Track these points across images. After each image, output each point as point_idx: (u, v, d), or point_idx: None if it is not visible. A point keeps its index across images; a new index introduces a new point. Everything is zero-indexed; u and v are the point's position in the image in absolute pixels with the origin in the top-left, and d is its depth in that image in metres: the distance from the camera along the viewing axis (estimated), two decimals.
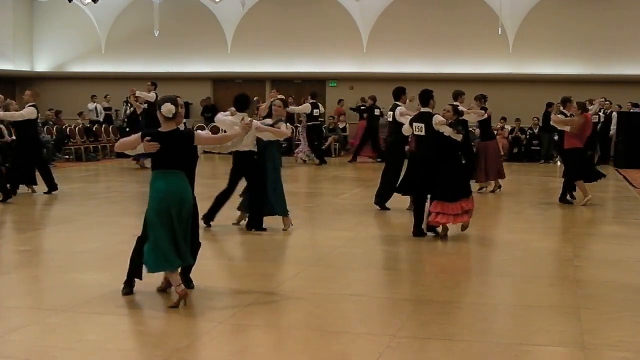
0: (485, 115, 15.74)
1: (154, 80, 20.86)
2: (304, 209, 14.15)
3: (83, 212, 13.21)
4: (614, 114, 24.77)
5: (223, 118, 11.42)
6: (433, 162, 10.62)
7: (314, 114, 23.74)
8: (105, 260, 9.30)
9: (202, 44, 29.68)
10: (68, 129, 25.07)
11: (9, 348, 5.98)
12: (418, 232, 10.86)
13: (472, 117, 15.41)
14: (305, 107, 23.65)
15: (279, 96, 17.10)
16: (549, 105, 22.36)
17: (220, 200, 11.91)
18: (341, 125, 27.69)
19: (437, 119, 10.66)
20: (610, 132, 24.83)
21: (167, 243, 7.10)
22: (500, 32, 26.56)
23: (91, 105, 27.82)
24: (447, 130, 10.54)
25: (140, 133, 7.43)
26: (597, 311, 7.21)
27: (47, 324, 6.60)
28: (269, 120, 11.67)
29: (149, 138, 7.25)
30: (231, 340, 6.23)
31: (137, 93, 20.12)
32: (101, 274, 8.50)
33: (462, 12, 27.84)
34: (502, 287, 8.41)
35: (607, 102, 25.31)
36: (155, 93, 20.22)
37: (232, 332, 6.45)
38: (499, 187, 16.28)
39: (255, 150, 11.44)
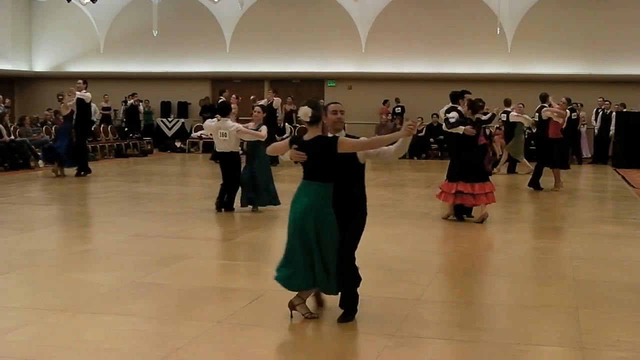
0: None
1: (85, 79, 19.83)
2: None
3: (81, 212, 13.22)
4: (613, 114, 24.79)
5: (209, 124, 13.20)
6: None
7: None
8: (103, 260, 9.30)
9: (201, 44, 29.69)
10: None
11: (8, 348, 5.97)
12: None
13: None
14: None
15: (260, 102, 18.32)
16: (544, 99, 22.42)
17: (224, 191, 13.31)
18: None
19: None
20: (610, 132, 24.86)
21: (297, 257, 6.66)
22: (498, 32, 26.59)
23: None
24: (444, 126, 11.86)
25: (289, 138, 7.01)
26: (595, 311, 7.21)
27: (46, 324, 6.60)
28: (251, 125, 13.14)
29: (296, 146, 6.75)
30: (230, 340, 6.23)
31: (77, 94, 18.72)
32: (100, 274, 8.51)
33: (460, 12, 27.87)
34: (501, 287, 8.41)
35: (607, 102, 25.36)
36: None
37: (231, 331, 6.45)
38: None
39: (238, 151, 13.16)
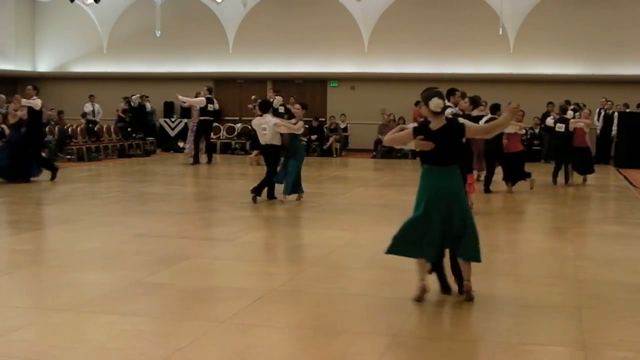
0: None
1: (35, 85, 18.92)
2: (305, 208, 14.16)
3: (84, 212, 13.22)
4: (615, 114, 24.78)
5: (253, 121, 14.83)
6: None
7: (208, 108, 23.15)
8: (106, 259, 9.31)
9: (204, 44, 29.72)
10: (70, 129, 25.07)
11: (11, 348, 5.99)
12: None
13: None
14: (200, 101, 23.10)
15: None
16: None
17: (266, 182, 14.53)
18: (342, 126, 27.71)
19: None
20: (612, 132, 24.84)
21: (419, 229, 7.26)
22: (501, 32, 26.56)
23: (88, 107, 27.73)
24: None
25: (412, 128, 7.34)
26: (598, 311, 7.21)
27: (49, 324, 6.61)
28: (293, 120, 14.88)
29: (422, 137, 7.16)
30: (233, 340, 6.23)
31: (23, 102, 17.73)
32: (102, 274, 8.52)
33: (463, 12, 27.87)
34: (504, 287, 8.42)
35: (609, 103, 25.35)
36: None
37: (234, 331, 6.45)
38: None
39: (279, 144, 14.44)
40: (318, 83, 29.43)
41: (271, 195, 14.76)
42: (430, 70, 27.58)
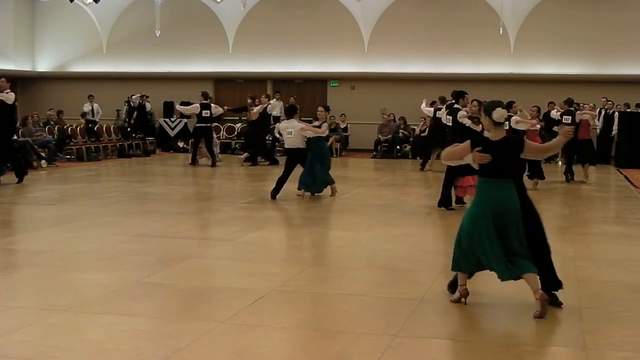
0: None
1: (5, 77, 18.06)
2: (305, 208, 14.16)
3: (84, 212, 13.21)
4: (616, 114, 24.77)
5: (279, 125, 15.88)
6: None
7: (203, 114, 22.77)
8: (106, 260, 9.30)
9: (204, 44, 29.72)
10: (69, 129, 25.06)
11: (11, 348, 5.98)
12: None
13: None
14: (194, 108, 23.05)
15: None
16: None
17: (281, 182, 14.95)
18: (342, 125, 27.71)
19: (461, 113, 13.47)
20: (613, 132, 24.83)
21: (476, 246, 7.07)
22: (501, 32, 26.54)
23: (87, 107, 27.70)
24: (467, 122, 13.18)
25: (469, 141, 7.18)
26: (598, 311, 7.20)
27: (49, 324, 6.60)
28: (316, 122, 15.78)
29: (479, 148, 7.02)
30: (233, 340, 6.23)
31: None
32: (102, 274, 8.51)
33: (463, 12, 27.86)
34: (504, 287, 8.39)
35: (610, 102, 25.34)
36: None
37: (234, 332, 6.44)
38: None
39: (304, 147, 15.08)
40: (318, 83, 29.43)
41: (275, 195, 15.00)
42: (430, 70, 27.60)
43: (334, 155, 26.24)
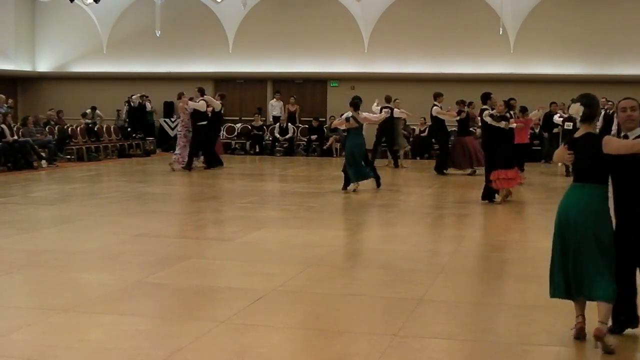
0: (458, 117, 20.93)
1: None
2: (305, 208, 14.16)
3: (84, 212, 13.22)
4: (615, 114, 24.77)
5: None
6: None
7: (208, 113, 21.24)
8: (106, 260, 9.31)
9: (204, 44, 29.69)
10: (70, 129, 25.07)
11: (12, 348, 5.99)
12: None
13: (446, 117, 21.50)
14: (202, 105, 20.90)
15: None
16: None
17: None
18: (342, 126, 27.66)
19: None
20: (612, 132, 24.82)
21: (556, 268, 6.33)
22: (501, 32, 26.54)
23: (89, 114, 27.56)
24: (488, 120, 14.60)
25: (566, 140, 6.57)
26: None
27: (49, 324, 6.61)
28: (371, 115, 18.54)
29: (566, 145, 6.40)
30: (233, 340, 6.23)
31: None
32: (103, 274, 8.52)
33: (463, 12, 27.85)
34: (504, 287, 8.42)
35: (610, 103, 25.37)
36: None
37: (234, 331, 6.45)
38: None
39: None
40: (318, 83, 29.42)
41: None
42: (430, 70, 27.59)
43: (334, 155, 26.28)
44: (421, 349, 6.12)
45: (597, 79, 26.26)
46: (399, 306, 7.28)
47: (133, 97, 28.46)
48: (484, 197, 14.76)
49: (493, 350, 6.06)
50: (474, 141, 20.78)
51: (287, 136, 27.78)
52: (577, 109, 6.33)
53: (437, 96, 21.83)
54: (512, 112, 16.21)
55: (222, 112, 22.64)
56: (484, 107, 15.13)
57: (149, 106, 29.11)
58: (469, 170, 20.54)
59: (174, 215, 13.16)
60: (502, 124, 14.47)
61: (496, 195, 14.70)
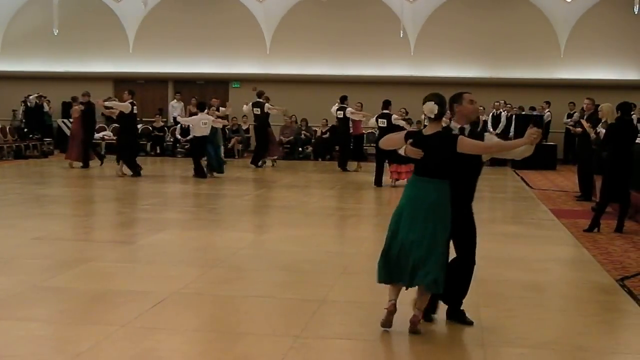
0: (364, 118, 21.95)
1: None
2: (206, 210, 14.09)
3: None
4: (513, 116, 25.49)
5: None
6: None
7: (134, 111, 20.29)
8: (1, 264, 9.06)
9: (104, 44, 29.26)
10: None
11: None
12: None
13: (358, 117, 22.24)
14: (126, 106, 19.95)
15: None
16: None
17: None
18: (245, 127, 27.63)
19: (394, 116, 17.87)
20: (510, 133, 25.44)
21: (385, 253, 6.52)
22: (402, 35, 26.94)
23: None
24: (401, 123, 17.17)
25: (405, 132, 6.68)
26: (495, 309, 7.38)
27: None
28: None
29: (411, 141, 6.47)
30: (133, 344, 6.16)
31: None
32: None
33: (365, 14, 28.19)
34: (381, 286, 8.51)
35: (509, 105, 26.09)
36: None
37: (134, 335, 6.37)
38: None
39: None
40: (220, 84, 29.30)
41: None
42: (332, 72, 27.83)
43: (236, 157, 26.20)
44: (324, 349, 6.16)
45: (492, 82, 27.06)
46: (301, 307, 7.31)
47: (30, 97, 27.82)
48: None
49: (390, 350, 6.14)
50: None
51: (188, 137, 27.51)
52: (431, 108, 6.48)
53: (344, 99, 22.46)
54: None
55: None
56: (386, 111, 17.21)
57: (46, 106, 28.48)
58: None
59: (73, 218, 12.92)
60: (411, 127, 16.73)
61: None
